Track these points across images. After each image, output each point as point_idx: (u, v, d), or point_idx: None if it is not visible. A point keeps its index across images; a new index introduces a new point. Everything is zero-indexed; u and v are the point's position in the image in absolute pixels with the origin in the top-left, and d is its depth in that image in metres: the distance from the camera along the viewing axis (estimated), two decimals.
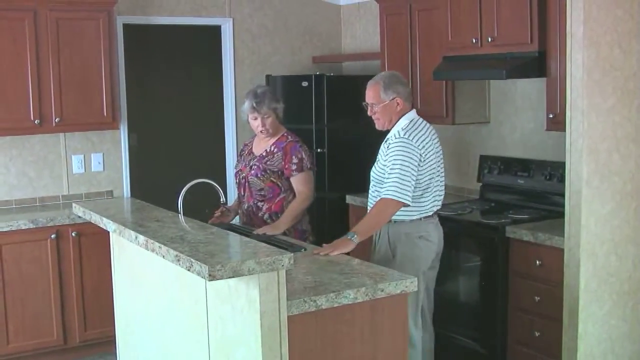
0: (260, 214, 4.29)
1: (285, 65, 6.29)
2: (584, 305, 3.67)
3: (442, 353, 4.25)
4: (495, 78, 4.77)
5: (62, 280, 5.00)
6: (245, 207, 4.35)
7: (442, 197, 3.96)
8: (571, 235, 3.68)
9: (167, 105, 7.45)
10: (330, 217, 5.64)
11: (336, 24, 6.54)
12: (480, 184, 5.12)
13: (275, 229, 4.10)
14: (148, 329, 3.84)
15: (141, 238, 3.19)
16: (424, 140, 3.79)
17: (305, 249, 3.69)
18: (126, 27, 5.67)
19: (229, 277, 2.66)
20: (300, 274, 3.20)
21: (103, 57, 5.22)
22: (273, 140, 4.32)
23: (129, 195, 5.71)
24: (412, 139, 3.77)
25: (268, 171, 4.26)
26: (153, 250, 3.07)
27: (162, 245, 2.97)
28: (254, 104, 4.22)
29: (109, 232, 4.02)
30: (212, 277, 2.62)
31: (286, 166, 4.24)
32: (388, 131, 3.92)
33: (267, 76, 6.02)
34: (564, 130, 3.69)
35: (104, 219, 3.71)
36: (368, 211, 3.86)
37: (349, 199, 5.53)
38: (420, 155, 3.75)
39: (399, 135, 3.80)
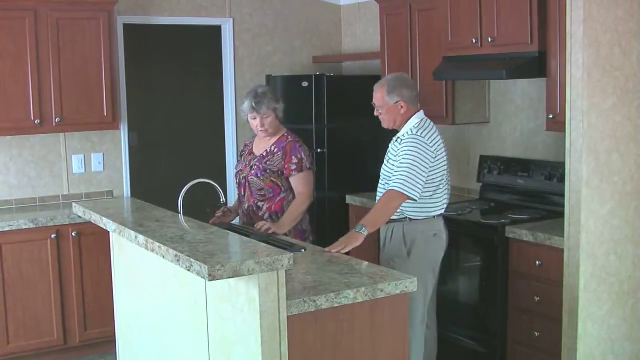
0: (260, 214, 4.29)
1: (285, 65, 6.30)
2: (584, 305, 3.67)
3: (442, 353, 4.24)
4: (495, 78, 4.77)
5: (62, 279, 5.00)
6: (246, 207, 4.35)
7: (449, 195, 4.02)
8: (571, 235, 3.68)
9: (167, 105, 7.45)
10: (330, 217, 5.64)
11: (336, 23, 6.54)
12: (480, 183, 5.12)
13: (278, 228, 4.11)
14: (148, 328, 3.84)
15: (141, 238, 3.19)
16: (435, 138, 3.87)
17: (305, 249, 3.69)
18: (126, 26, 5.68)
19: (229, 277, 2.66)
20: (300, 274, 3.20)
21: (103, 57, 5.22)
22: (273, 140, 4.32)
23: (129, 195, 5.71)
24: (425, 136, 3.84)
25: (268, 171, 4.26)
26: (153, 250, 3.07)
27: (162, 245, 2.98)
28: (253, 104, 4.23)
29: (108, 232, 4.02)
30: (211, 277, 2.62)
31: (286, 166, 4.24)
32: (396, 130, 3.98)
33: (267, 76, 6.02)
34: (564, 130, 3.69)
35: (104, 218, 3.71)
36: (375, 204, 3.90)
37: (349, 198, 5.53)
38: (433, 152, 3.81)
39: (412, 132, 3.87)
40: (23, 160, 5.38)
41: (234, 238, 3.18)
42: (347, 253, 3.61)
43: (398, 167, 3.79)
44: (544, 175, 4.63)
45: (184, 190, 3.91)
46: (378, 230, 3.94)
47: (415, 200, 3.79)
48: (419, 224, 3.90)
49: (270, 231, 4.05)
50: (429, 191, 3.85)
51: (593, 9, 3.53)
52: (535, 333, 4.13)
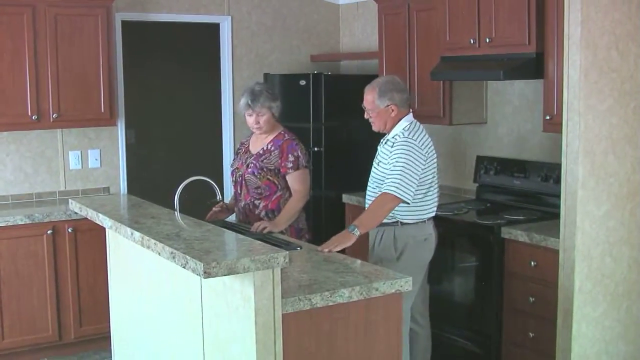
0: (257, 212, 4.29)
1: (283, 64, 6.30)
2: (579, 307, 3.68)
3: (437, 353, 4.25)
4: (493, 79, 4.77)
5: (57, 276, 5.00)
6: (242, 205, 4.36)
7: (439, 197, 4.02)
8: (566, 237, 3.69)
9: (164, 102, 7.44)
10: (326, 216, 5.65)
11: (335, 22, 6.54)
12: (477, 184, 5.13)
13: (274, 227, 4.11)
14: (143, 325, 3.84)
15: (137, 235, 3.20)
16: (425, 140, 3.87)
17: (300, 248, 3.69)
18: (124, 23, 5.67)
19: (224, 275, 2.67)
20: (295, 272, 3.20)
21: (101, 54, 5.22)
22: (270, 138, 4.32)
23: (126, 191, 5.71)
24: (417, 139, 3.83)
25: (265, 169, 4.26)
26: (148, 247, 3.07)
27: (158, 242, 2.98)
28: (249, 101, 4.23)
29: (105, 229, 4.02)
30: (207, 275, 2.62)
31: (282, 164, 4.24)
32: (385, 133, 3.96)
33: (265, 74, 6.02)
34: (561, 132, 3.70)
35: (100, 215, 3.71)
36: (367, 206, 3.89)
37: (345, 197, 5.53)
38: (424, 155, 3.81)
39: (403, 135, 3.86)
40: (20, 156, 5.37)
41: (230, 236, 3.19)
42: (342, 252, 3.62)
43: (391, 170, 3.78)
44: (540, 176, 4.64)
45: (180, 187, 3.92)
46: (367, 232, 3.95)
47: (409, 204, 3.79)
48: (410, 229, 3.89)
49: (266, 230, 4.05)
50: (421, 194, 3.85)
51: (591, 11, 3.54)
52: (530, 334, 4.13)
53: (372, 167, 4.00)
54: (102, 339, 4.92)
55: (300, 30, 6.38)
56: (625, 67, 3.67)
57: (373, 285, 3.05)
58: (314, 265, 3.37)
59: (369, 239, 4.01)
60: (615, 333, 3.82)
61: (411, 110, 4.00)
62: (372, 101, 3.92)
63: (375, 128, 3.98)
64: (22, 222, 4.86)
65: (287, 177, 4.25)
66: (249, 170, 4.30)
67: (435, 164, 3.93)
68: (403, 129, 3.88)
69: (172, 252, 2.85)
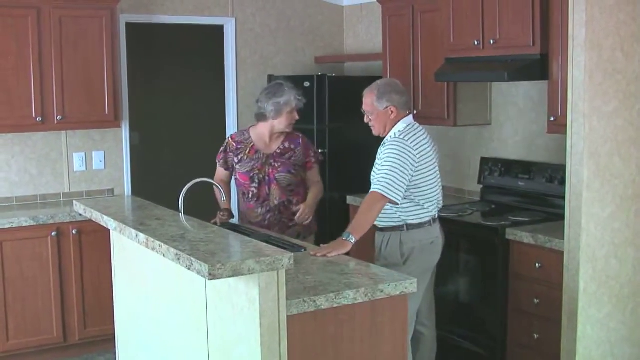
0: (293, 208, 4.38)
1: (288, 65, 6.30)
2: (584, 308, 3.67)
3: (442, 354, 4.24)
4: (497, 80, 4.77)
5: (62, 277, 5.00)
6: (276, 203, 4.37)
7: (441, 197, 4.00)
8: (571, 238, 3.68)
9: (169, 104, 7.46)
10: (331, 218, 5.64)
11: (339, 24, 6.54)
12: (481, 185, 5.12)
13: (310, 211, 4.33)
14: (148, 327, 3.84)
15: (142, 236, 3.20)
16: (420, 142, 3.83)
17: (305, 249, 3.69)
18: (129, 25, 5.68)
19: (229, 276, 2.67)
20: (300, 274, 3.20)
21: (106, 55, 5.23)
22: (283, 137, 4.39)
23: (130, 193, 5.71)
24: (408, 140, 3.80)
25: (296, 166, 4.41)
26: (153, 249, 3.07)
27: (163, 244, 2.98)
28: (299, 96, 4.41)
29: (109, 230, 4.03)
30: (212, 276, 2.62)
31: (307, 160, 4.45)
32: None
33: (270, 76, 6.02)
34: (565, 133, 3.69)
35: (105, 216, 3.72)
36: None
37: (350, 199, 5.53)
38: (416, 156, 3.78)
39: (395, 136, 3.84)
40: (25, 157, 5.38)
41: (234, 238, 3.19)
42: (347, 254, 3.61)
43: (379, 169, 3.77)
44: (545, 177, 4.63)
45: (185, 189, 3.91)
46: (374, 237, 3.94)
47: (397, 204, 3.76)
48: (416, 233, 3.87)
49: (309, 218, 4.30)
50: (420, 195, 3.83)
51: (595, 12, 3.53)
52: (535, 335, 4.13)
53: (372, 169, 3.99)
54: (107, 340, 4.93)
55: (305, 32, 6.38)
56: (630, 68, 3.66)
57: (378, 287, 3.05)
58: (319, 267, 3.36)
59: (375, 243, 3.99)
60: (621, 335, 3.82)
61: (410, 113, 3.98)
62: (371, 103, 3.90)
63: (375, 132, 3.96)
64: (27, 224, 4.87)
65: (310, 171, 4.47)
66: (282, 169, 4.37)
67: (435, 165, 3.89)
68: (398, 130, 3.85)
69: (177, 254, 2.85)
